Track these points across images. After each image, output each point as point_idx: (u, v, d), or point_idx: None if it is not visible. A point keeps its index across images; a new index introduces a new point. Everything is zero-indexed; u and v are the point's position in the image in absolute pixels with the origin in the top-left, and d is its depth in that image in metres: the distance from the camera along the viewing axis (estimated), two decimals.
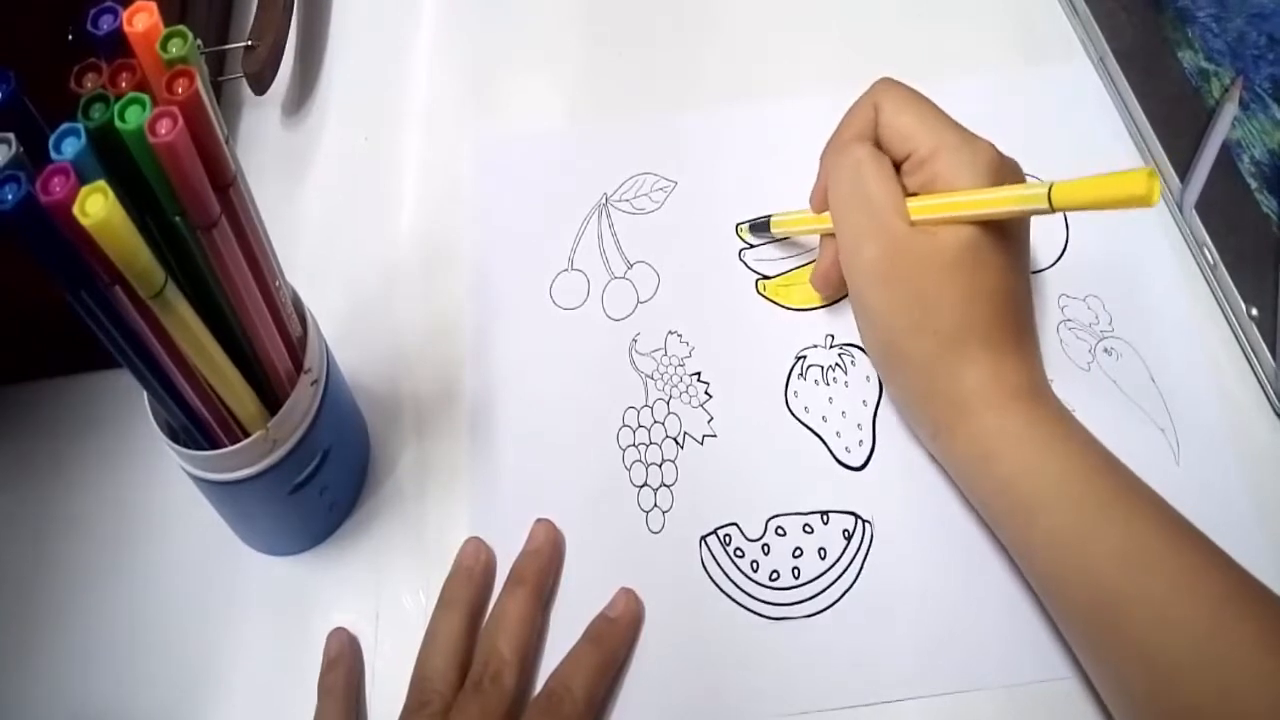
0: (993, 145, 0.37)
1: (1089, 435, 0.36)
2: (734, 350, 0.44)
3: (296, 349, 0.35)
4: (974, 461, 0.37)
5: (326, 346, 0.38)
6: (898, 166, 0.38)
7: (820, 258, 0.44)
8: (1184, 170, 0.45)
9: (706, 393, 0.43)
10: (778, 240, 0.46)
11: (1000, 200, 0.35)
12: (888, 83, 0.40)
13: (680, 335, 0.44)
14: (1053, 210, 0.33)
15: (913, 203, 0.37)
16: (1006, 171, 0.37)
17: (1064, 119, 0.49)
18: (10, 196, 0.23)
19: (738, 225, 0.47)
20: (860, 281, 0.38)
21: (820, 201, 0.42)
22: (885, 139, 0.39)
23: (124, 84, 0.26)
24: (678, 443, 0.42)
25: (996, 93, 0.50)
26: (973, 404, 0.36)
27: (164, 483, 0.41)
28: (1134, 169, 0.31)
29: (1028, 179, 0.38)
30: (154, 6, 0.26)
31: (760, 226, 0.46)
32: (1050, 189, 0.33)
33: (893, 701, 0.37)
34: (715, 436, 0.42)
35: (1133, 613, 0.32)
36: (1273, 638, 0.30)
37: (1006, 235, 0.36)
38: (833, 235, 0.40)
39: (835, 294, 0.44)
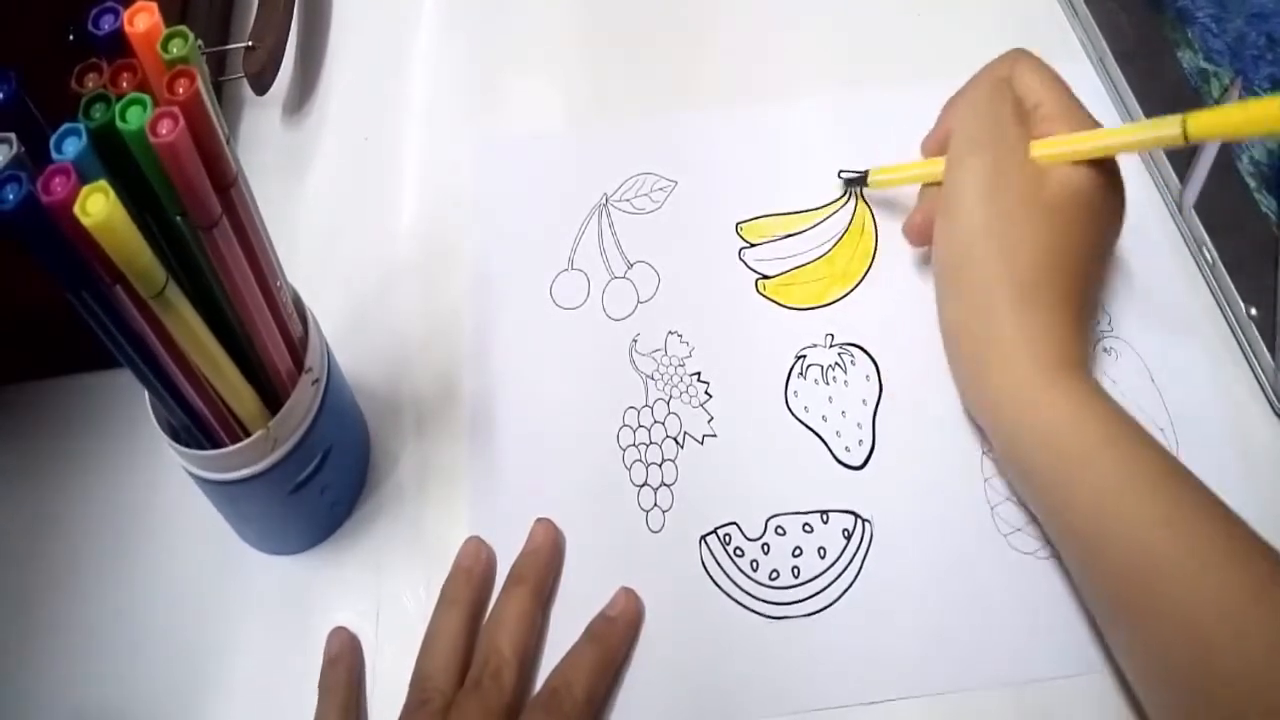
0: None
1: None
2: (734, 350, 0.44)
3: (297, 348, 0.35)
4: (1015, 407, 0.36)
5: (327, 346, 0.38)
6: None
7: (917, 208, 0.44)
8: (1183, 170, 0.45)
9: (706, 393, 0.43)
10: (778, 240, 0.46)
11: (1130, 131, 0.36)
12: (1022, 50, 0.41)
13: (680, 335, 0.44)
14: (1187, 142, 0.33)
15: (1035, 145, 0.38)
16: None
17: None
18: (11, 196, 0.23)
19: (738, 225, 0.47)
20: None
21: (934, 146, 0.43)
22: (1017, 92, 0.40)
23: (125, 84, 0.26)
24: (678, 442, 0.42)
25: None
26: (1023, 352, 0.36)
27: (164, 483, 0.41)
28: (1270, 95, 0.31)
29: None
30: (155, 7, 0.26)
31: (856, 180, 0.46)
32: (1185, 120, 0.33)
33: (892, 700, 0.37)
34: (715, 436, 0.42)
35: (1174, 574, 0.31)
36: None
37: (1108, 201, 0.37)
38: (935, 185, 0.41)
39: (925, 244, 0.43)
